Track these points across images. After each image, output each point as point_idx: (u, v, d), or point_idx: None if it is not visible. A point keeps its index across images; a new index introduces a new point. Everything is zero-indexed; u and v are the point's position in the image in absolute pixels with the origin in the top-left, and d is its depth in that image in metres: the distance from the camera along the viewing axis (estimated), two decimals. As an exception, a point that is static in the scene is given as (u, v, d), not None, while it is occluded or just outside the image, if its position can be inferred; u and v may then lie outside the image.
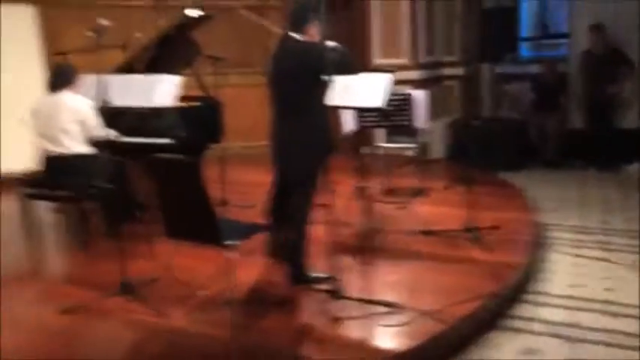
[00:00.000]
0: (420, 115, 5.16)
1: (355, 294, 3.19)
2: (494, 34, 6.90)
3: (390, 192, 5.14)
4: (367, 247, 4.06)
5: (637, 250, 4.15)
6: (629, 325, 3.10)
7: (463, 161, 4.96)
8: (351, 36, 7.61)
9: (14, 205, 4.58)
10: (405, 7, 7.18)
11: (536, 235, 4.29)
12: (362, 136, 4.45)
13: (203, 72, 5.05)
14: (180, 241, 3.00)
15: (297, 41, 3.28)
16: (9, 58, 6.28)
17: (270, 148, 3.49)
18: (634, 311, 3.25)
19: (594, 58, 6.72)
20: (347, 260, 3.78)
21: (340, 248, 3.83)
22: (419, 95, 5.16)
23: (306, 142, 3.29)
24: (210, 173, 3.57)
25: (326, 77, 3.10)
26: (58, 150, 4.13)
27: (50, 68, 6.23)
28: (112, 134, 4.27)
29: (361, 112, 4.49)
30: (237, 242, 2.87)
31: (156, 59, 4.90)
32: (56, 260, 4.18)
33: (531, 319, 3.22)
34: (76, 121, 4.13)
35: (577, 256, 4.12)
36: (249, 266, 3.59)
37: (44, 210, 4.56)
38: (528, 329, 3.12)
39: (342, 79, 3.22)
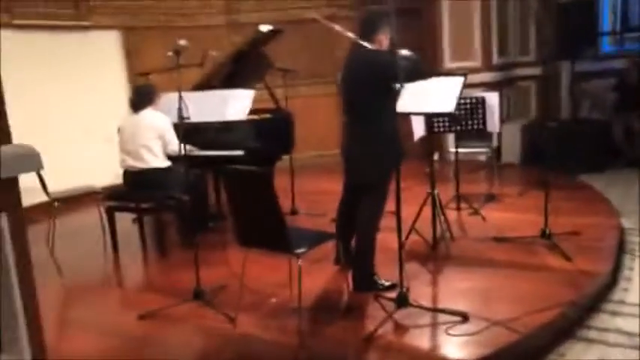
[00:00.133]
0: (493, 119, 5.05)
1: (424, 302, 3.18)
2: (573, 29, 6.62)
3: (462, 198, 5.05)
4: (438, 254, 4.03)
5: None
6: None
7: (539, 165, 4.79)
8: (421, 41, 7.56)
9: (97, 217, 4.92)
10: (476, 9, 7.06)
11: (618, 241, 4.08)
12: (433, 141, 4.41)
13: (274, 84, 5.21)
14: (251, 249, 3.12)
15: (369, 50, 3.32)
16: (97, 80, 6.74)
17: (340, 155, 3.56)
18: None
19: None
20: (417, 268, 3.78)
21: (410, 256, 3.85)
22: (491, 98, 5.05)
23: (376, 149, 3.32)
24: (282, 183, 3.68)
25: (397, 85, 3.13)
26: (139, 165, 4.42)
27: (133, 88, 6.65)
28: (188, 148, 4.51)
29: (432, 117, 4.47)
30: (307, 250, 2.96)
31: (230, 75, 5.11)
32: (135, 269, 4.44)
33: (608, 330, 3.07)
34: (156, 137, 4.41)
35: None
36: (317, 274, 3.67)
37: (125, 221, 4.85)
38: (604, 340, 2.98)
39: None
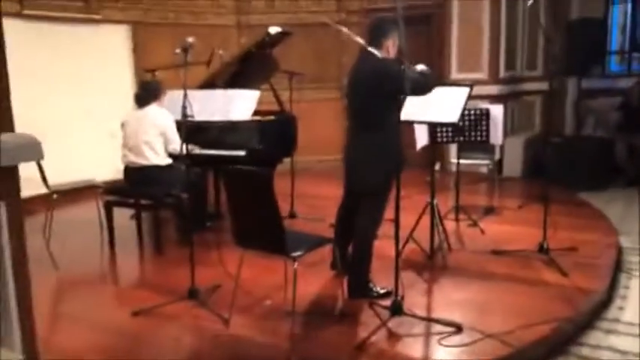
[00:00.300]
0: (497, 131, 5.06)
1: (419, 311, 3.17)
2: (581, 46, 6.62)
3: (461, 209, 5.04)
4: (435, 264, 4.02)
5: None
6: None
7: (540, 179, 4.79)
8: (429, 50, 7.60)
9: (96, 212, 4.91)
10: (485, 21, 7.07)
11: (615, 260, 4.07)
12: (435, 150, 4.41)
13: (280, 87, 5.22)
14: (247, 250, 3.12)
15: (377, 58, 3.32)
16: (104, 74, 6.75)
17: (342, 161, 3.56)
18: None
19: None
20: (413, 277, 3.77)
21: (407, 264, 3.84)
22: (496, 110, 5.06)
23: (377, 157, 3.32)
24: (282, 185, 3.68)
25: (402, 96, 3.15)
26: (140, 161, 4.42)
27: (140, 83, 6.66)
28: (190, 147, 4.52)
29: (436, 126, 4.47)
30: (303, 254, 2.96)
31: (237, 75, 5.12)
32: (131, 265, 4.43)
33: (601, 347, 3.06)
34: (158, 134, 4.41)
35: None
36: (312, 278, 3.66)
37: (123, 217, 4.86)
38: (597, 358, 2.96)
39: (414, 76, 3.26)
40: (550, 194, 4.07)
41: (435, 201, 4.08)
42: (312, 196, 5.75)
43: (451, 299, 3.47)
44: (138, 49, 7.08)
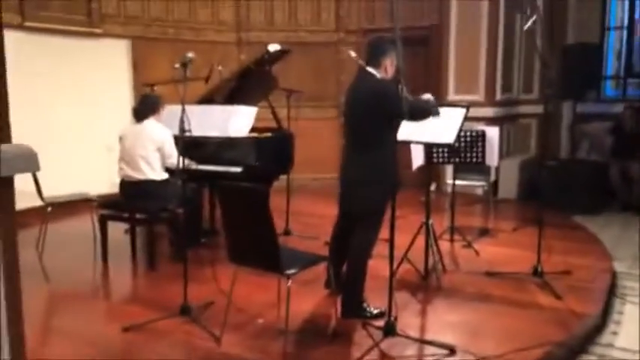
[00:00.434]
0: (492, 153, 5.09)
1: (412, 332, 3.16)
2: (577, 71, 6.69)
3: (456, 230, 5.04)
4: (429, 285, 4.01)
5: None
6: None
7: (535, 202, 4.81)
8: (427, 71, 7.67)
9: (90, 225, 4.90)
10: (482, 44, 7.15)
11: (609, 284, 4.07)
12: (431, 171, 4.42)
13: (278, 104, 5.24)
14: (241, 267, 3.10)
15: (376, 79, 3.34)
16: (103, 87, 6.77)
17: (338, 180, 3.56)
18: None
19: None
20: (407, 297, 3.76)
21: (401, 285, 3.83)
22: (492, 132, 5.09)
23: (372, 177, 3.31)
24: (277, 203, 3.68)
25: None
26: (136, 176, 4.42)
27: (138, 97, 6.68)
28: (187, 162, 4.51)
29: (432, 147, 4.49)
30: (297, 272, 2.95)
31: (235, 91, 5.14)
32: (123, 280, 4.40)
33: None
34: (155, 149, 4.42)
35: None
36: (306, 296, 3.64)
37: (117, 231, 4.84)
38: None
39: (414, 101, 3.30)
40: (545, 217, 4.09)
41: (430, 221, 4.08)
42: (307, 214, 5.75)
43: (445, 321, 3.46)
44: (138, 64, 7.11)
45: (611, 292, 4.03)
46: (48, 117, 6.12)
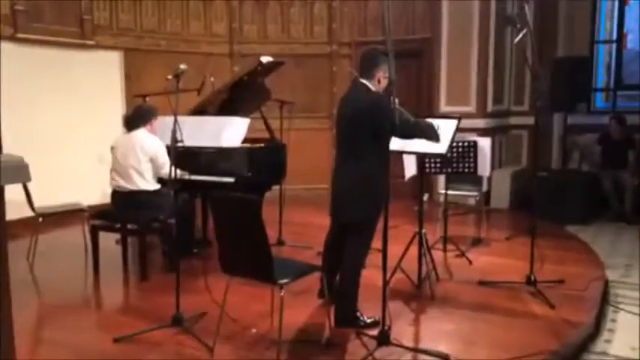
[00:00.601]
0: (484, 163, 5.10)
1: (406, 341, 3.14)
2: (567, 84, 6.75)
3: (449, 240, 5.05)
4: (422, 294, 4.00)
5: None
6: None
7: (527, 212, 4.83)
8: (419, 83, 7.72)
9: (81, 236, 4.89)
10: (473, 56, 7.21)
11: (602, 293, 4.08)
12: (424, 181, 4.44)
13: (270, 115, 5.25)
14: (234, 277, 3.09)
15: (370, 90, 3.35)
16: (95, 99, 6.76)
17: (330, 190, 3.56)
18: None
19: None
20: (400, 307, 3.75)
21: (394, 294, 3.82)
22: (484, 143, 5.12)
23: (364, 188, 3.31)
24: (270, 213, 3.67)
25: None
26: (128, 186, 4.40)
27: (130, 109, 6.68)
28: (180, 172, 4.51)
29: (424, 157, 4.51)
30: (290, 281, 2.94)
31: (228, 102, 5.15)
32: (115, 290, 4.36)
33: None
34: (147, 160, 4.40)
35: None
36: (299, 306, 3.62)
37: (109, 241, 4.81)
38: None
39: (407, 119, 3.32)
40: (537, 227, 4.10)
41: (423, 231, 4.09)
42: (300, 224, 5.75)
43: (438, 330, 3.45)
44: (130, 75, 7.12)
45: (604, 300, 4.04)
46: (39, 128, 6.10)
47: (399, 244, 4.00)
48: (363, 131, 3.29)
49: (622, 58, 7.79)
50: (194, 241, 4.93)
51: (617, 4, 7.73)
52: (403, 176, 4.91)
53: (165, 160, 4.38)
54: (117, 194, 4.48)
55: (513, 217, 6.59)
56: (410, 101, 7.20)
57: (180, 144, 3.43)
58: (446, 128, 3.88)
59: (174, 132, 3.41)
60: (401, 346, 3.06)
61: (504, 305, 3.79)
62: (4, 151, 1.90)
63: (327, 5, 8.11)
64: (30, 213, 4.66)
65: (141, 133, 4.49)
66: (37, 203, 4.64)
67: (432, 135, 3.47)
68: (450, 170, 5.01)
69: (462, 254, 4.83)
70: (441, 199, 5.68)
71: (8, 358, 1.92)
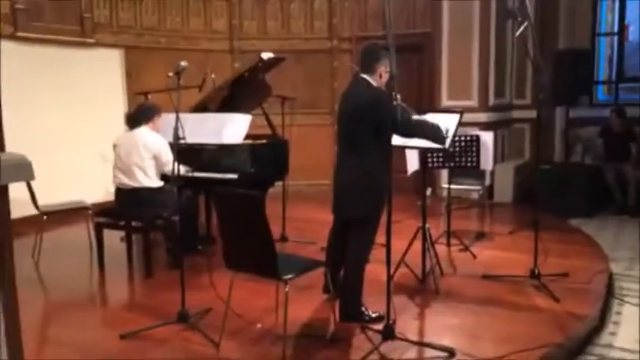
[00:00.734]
0: (487, 157, 5.10)
1: (411, 336, 3.14)
2: (568, 77, 6.73)
3: (453, 234, 5.05)
4: (426, 288, 4.01)
5: None
6: None
7: (530, 206, 4.83)
8: (420, 78, 7.70)
9: (85, 233, 4.91)
10: (474, 50, 7.19)
11: (607, 285, 4.08)
12: (426, 176, 4.44)
13: (272, 111, 5.25)
14: (238, 273, 3.09)
15: (371, 85, 3.34)
16: (96, 97, 6.76)
17: (332, 186, 3.56)
18: None
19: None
20: (404, 301, 3.75)
21: (398, 288, 3.83)
22: (486, 137, 5.11)
23: (366, 183, 3.32)
24: (273, 209, 3.67)
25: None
26: (131, 183, 4.41)
27: (132, 106, 6.67)
28: (183, 169, 4.51)
29: (427, 152, 4.51)
30: (294, 277, 2.94)
31: (229, 99, 5.14)
32: (120, 287, 4.37)
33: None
34: (151, 157, 4.40)
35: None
36: (304, 301, 3.62)
37: (114, 239, 4.82)
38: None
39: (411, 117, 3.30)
40: (541, 220, 4.10)
41: (427, 226, 4.08)
42: (303, 220, 5.75)
43: (443, 324, 3.46)
44: (131, 73, 7.11)
45: (609, 293, 4.04)
46: (42, 126, 6.10)
47: (402, 239, 4.00)
48: (364, 127, 3.28)
49: (624, 50, 7.78)
50: (198, 237, 4.93)
51: (618, -4, 7.71)
52: (406, 171, 4.91)
53: (169, 158, 4.38)
54: (120, 192, 4.49)
55: (516, 211, 6.58)
56: (411, 96, 7.18)
57: (182, 141, 3.42)
58: (448, 123, 3.88)
59: (176, 129, 3.40)
60: (406, 340, 3.06)
61: (508, 299, 3.79)
62: (7, 150, 1.90)
63: (327, 0, 8.09)
64: (34, 211, 4.67)
65: (143, 131, 4.49)
66: (40, 202, 4.64)
67: (437, 137, 3.45)
68: (452, 165, 5.01)
69: (466, 248, 4.83)
70: (444, 193, 5.68)
71: (16, 355, 1.92)
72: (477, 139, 4.99)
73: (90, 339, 3.30)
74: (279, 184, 5.07)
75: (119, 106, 6.99)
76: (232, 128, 4.71)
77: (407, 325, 3.32)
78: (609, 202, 6.71)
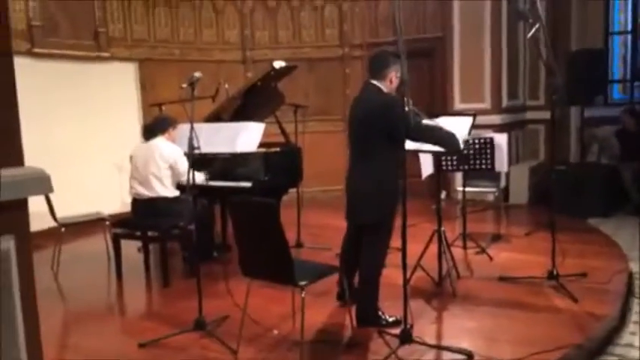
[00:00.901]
0: (502, 159, 5.07)
1: (428, 339, 3.13)
2: (583, 76, 6.67)
3: (469, 237, 5.03)
4: (443, 291, 3.99)
5: None
6: None
7: (546, 207, 4.79)
8: (432, 82, 7.70)
9: (103, 244, 4.97)
10: (486, 52, 7.17)
11: (626, 285, 4.03)
12: (441, 179, 4.43)
13: (285, 119, 5.29)
14: (255, 280, 3.11)
15: (382, 91, 3.35)
16: (112, 110, 6.86)
17: (345, 191, 3.57)
18: None
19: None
20: (421, 305, 3.74)
21: (415, 292, 3.82)
22: (500, 139, 5.09)
23: (377, 188, 3.32)
24: (288, 216, 3.69)
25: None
26: (147, 193, 4.46)
27: (146, 117, 6.76)
28: (199, 179, 4.55)
29: (441, 155, 4.50)
30: (310, 283, 2.95)
31: (242, 108, 5.19)
32: (138, 297, 4.42)
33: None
34: (167, 167, 4.46)
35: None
36: (320, 307, 3.63)
37: (131, 249, 4.88)
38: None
39: (425, 122, 3.31)
40: (558, 221, 4.07)
41: (442, 229, 4.07)
42: (318, 226, 5.76)
43: (460, 327, 3.44)
44: (146, 85, 7.21)
45: (629, 292, 3.99)
46: (59, 140, 6.19)
47: (418, 242, 4.00)
48: (375, 132, 3.30)
49: (637, 48, 7.70)
50: (214, 245, 4.97)
51: (631, -5, 7.66)
52: (420, 175, 4.90)
53: (185, 167, 4.41)
54: (136, 202, 4.54)
55: (532, 212, 6.53)
56: (424, 100, 7.18)
57: (197, 151, 3.46)
58: (461, 126, 3.87)
59: (190, 139, 3.44)
60: (424, 343, 3.05)
61: (526, 300, 3.76)
62: (25, 164, 1.95)
63: (337, 8, 8.13)
64: (52, 224, 4.74)
65: (159, 141, 4.55)
66: (58, 214, 4.72)
67: (452, 145, 3.44)
68: (467, 167, 4.99)
69: (482, 251, 4.81)
70: (459, 196, 5.66)
71: (37, 363, 1.96)
72: (490, 142, 4.97)
73: (109, 347, 3.34)
74: (293, 190, 5.10)
75: (134, 118, 7.08)
76: (246, 137, 4.75)
77: (424, 328, 3.31)
78: (626, 202, 6.63)
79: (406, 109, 2.91)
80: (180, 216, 4.36)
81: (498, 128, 6.53)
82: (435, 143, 3.48)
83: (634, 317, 3.69)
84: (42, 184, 1.92)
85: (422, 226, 4.89)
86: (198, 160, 4.54)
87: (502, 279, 4.15)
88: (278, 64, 4.95)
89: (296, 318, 3.30)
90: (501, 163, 5.07)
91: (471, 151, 4.94)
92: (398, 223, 3.15)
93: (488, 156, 4.98)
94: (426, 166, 4.94)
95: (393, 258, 3.60)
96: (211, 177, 4.66)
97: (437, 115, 3.92)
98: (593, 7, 7.64)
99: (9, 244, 1.83)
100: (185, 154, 4.29)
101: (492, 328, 3.38)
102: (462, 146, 3.58)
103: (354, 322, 3.36)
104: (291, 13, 8.14)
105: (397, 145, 3.20)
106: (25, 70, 5.56)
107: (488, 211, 6.56)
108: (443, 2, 7.43)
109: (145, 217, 4.48)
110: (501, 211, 6.27)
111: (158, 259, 4.66)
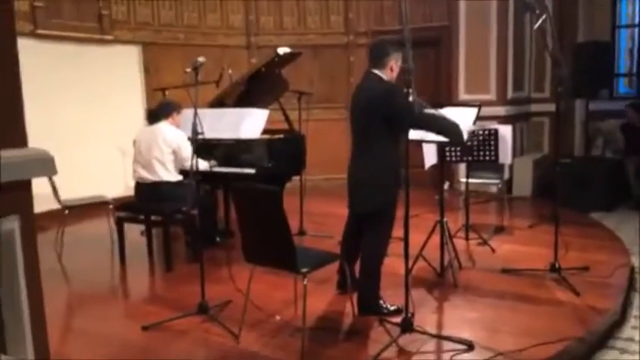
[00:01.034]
0: (506, 151, 5.06)
1: (429, 329, 3.14)
2: (588, 69, 6.64)
3: (471, 228, 5.02)
4: (445, 282, 3.99)
5: None
6: None
7: (550, 200, 4.78)
8: (437, 71, 7.66)
9: (106, 227, 4.97)
10: (492, 43, 7.13)
11: (628, 279, 4.03)
12: (444, 170, 4.42)
13: (289, 106, 5.26)
14: (257, 266, 3.12)
15: (383, 80, 3.34)
16: (115, 93, 6.83)
17: (346, 180, 3.56)
18: None
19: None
20: (423, 294, 3.75)
21: (417, 282, 3.82)
22: (505, 131, 5.07)
23: (378, 177, 3.31)
24: (291, 203, 3.69)
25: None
26: (151, 177, 4.46)
27: (150, 102, 6.74)
28: (202, 164, 4.54)
29: (444, 146, 4.49)
30: (312, 270, 2.95)
31: (246, 94, 5.16)
32: (141, 280, 4.43)
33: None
34: (170, 152, 4.45)
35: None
36: (322, 294, 3.65)
37: (134, 232, 4.88)
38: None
39: (428, 111, 3.28)
40: (561, 214, 4.05)
41: (445, 219, 4.06)
42: (320, 214, 5.76)
43: (462, 317, 3.44)
44: (149, 69, 7.17)
45: (630, 287, 3.99)
46: (62, 122, 6.18)
47: (420, 232, 4.00)
48: (376, 120, 3.28)
49: (645, 41, 7.65)
50: (217, 231, 4.98)
51: (639, -13, 7.59)
52: (423, 166, 4.89)
53: (188, 152, 4.41)
54: (140, 186, 4.54)
55: (536, 205, 6.52)
56: (429, 90, 7.16)
57: (200, 136, 3.45)
58: (466, 116, 3.85)
59: (194, 124, 3.42)
60: (424, 332, 3.06)
61: (528, 293, 3.76)
62: (29, 145, 1.93)
63: (343, -5, 8.07)
64: (56, 206, 4.74)
65: (163, 126, 4.53)
66: (62, 196, 4.71)
67: (455, 135, 3.41)
68: (470, 158, 4.97)
69: (485, 242, 4.80)
70: (462, 187, 5.64)
71: (41, 345, 1.96)
72: (495, 133, 4.94)
73: (112, 330, 3.36)
74: (296, 178, 5.09)
75: (137, 102, 7.06)
76: (250, 123, 4.73)
77: (425, 318, 3.32)
78: (629, 197, 6.62)
79: (410, 98, 2.89)
80: (184, 200, 4.36)
81: (503, 120, 6.51)
82: (438, 132, 3.45)
83: (635, 311, 3.69)
84: (46, 165, 1.92)
85: (424, 216, 4.89)
86: (201, 146, 4.54)
87: (504, 271, 4.14)
88: (282, 50, 4.92)
89: (298, 304, 3.30)
90: (505, 155, 5.05)
91: (475, 143, 4.92)
92: (400, 213, 3.13)
93: (492, 147, 4.96)
94: (429, 157, 4.93)
95: (395, 247, 3.60)
96: (215, 164, 4.65)
97: (441, 106, 3.89)
98: (601, -1, 7.58)
99: (13, 224, 1.83)
100: (189, 139, 4.28)
101: (494, 319, 3.38)
102: (465, 137, 3.55)
103: (356, 310, 3.36)
104: (297, -1, 8.08)
105: (398, 134, 3.18)
106: (29, 51, 5.55)
107: (492, 203, 6.55)
108: (449, -9, 7.37)
109: (148, 201, 4.48)
110: (504, 203, 6.26)
111: (161, 243, 4.67)
